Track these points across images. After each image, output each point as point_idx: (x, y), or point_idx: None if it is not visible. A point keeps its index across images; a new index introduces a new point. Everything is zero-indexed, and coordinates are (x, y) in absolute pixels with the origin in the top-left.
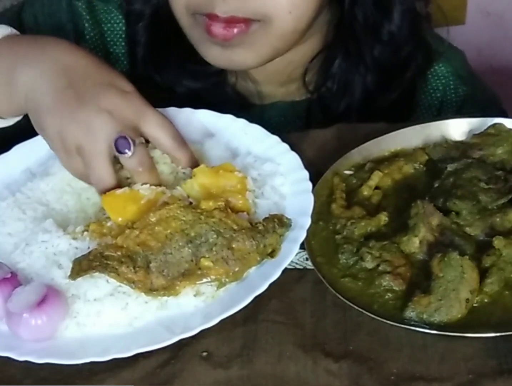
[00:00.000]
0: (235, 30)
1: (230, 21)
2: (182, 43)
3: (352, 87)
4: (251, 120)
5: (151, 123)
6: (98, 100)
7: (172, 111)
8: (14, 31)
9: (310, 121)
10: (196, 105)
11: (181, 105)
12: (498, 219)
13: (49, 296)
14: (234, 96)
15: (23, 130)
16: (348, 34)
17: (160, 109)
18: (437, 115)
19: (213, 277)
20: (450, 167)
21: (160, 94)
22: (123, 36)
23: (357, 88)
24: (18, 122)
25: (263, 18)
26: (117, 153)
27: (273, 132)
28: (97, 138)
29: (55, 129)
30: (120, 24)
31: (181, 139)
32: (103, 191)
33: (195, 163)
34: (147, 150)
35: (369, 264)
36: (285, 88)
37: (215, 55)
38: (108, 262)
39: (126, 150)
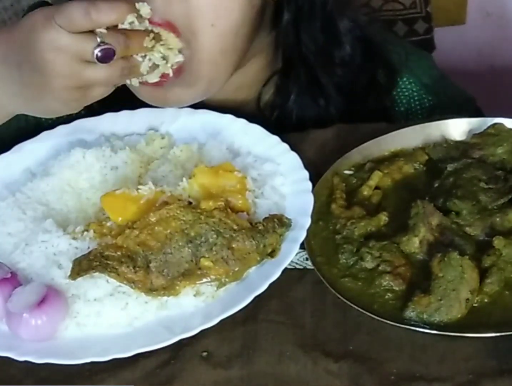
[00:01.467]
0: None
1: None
2: None
3: (310, 117)
4: None
5: (71, 21)
6: (32, 51)
7: (172, 111)
8: None
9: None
10: None
11: None
12: (498, 219)
13: (49, 296)
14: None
15: (23, 130)
16: (299, 61)
17: (160, 109)
18: None
19: (213, 277)
20: (450, 167)
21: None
22: None
23: (317, 118)
24: (18, 122)
25: (188, 32)
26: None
27: None
28: (70, 65)
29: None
30: None
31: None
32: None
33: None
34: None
35: (369, 264)
36: (241, 112)
37: (149, 94)
38: (108, 262)
39: (103, 51)
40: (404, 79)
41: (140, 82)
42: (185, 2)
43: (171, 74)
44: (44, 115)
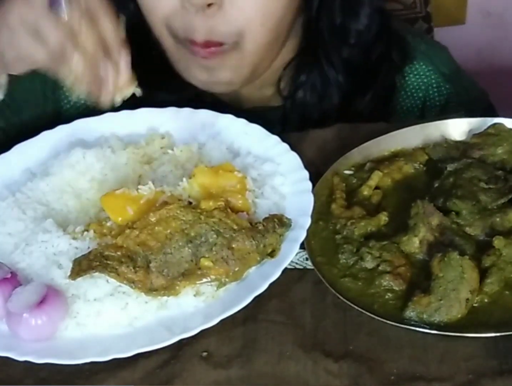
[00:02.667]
0: (213, 48)
1: (207, 45)
2: (156, 58)
3: (323, 94)
4: None
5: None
6: None
7: (172, 111)
8: None
9: (287, 127)
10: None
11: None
12: (498, 219)
13: (49, 296)
14: (214, 103)
15: (23, 130)
16: (316, 38)
17: (160, 109)
18: (420, 116)
19: (213, 277)
20: (450, 167)
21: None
22: None
23: (329, 94)
24: (18, 121)
25: (237, 38)
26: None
27: None
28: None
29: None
30: None
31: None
32: (62, 59)
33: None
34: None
35: (369, 264)
36: (262, 93)
37: (202, 80)
38: (108, 262)
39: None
40: (424, 66)
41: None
42: (239, 10)
43: None
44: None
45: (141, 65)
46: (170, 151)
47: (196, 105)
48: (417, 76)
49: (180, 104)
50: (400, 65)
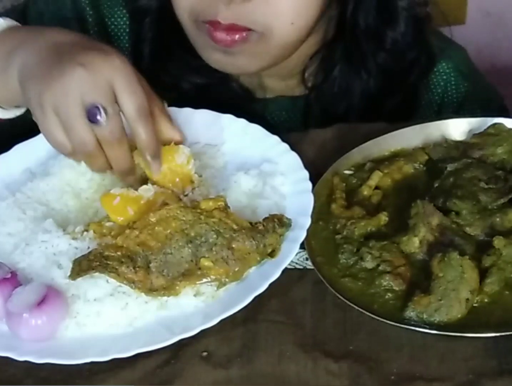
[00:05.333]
0: (237, 37)
1: (231, 29)
2: (187, 39)
3: (352, 91)
4: (254, 114)
5: (121, 85)
6: (74, 56)
7: (172, 111)
8: (17, 23)
9: (309, 118)
10: (200, 102)
11: (185, 102)
12: (498, 219)
13: (49, 296)
14: (239, 90)
15: (23, 130)
16: (350, 38)
17: None
18: (438, 111)
19: (213, 277)
20: (450, 167)
21: (163, 92)
22: (127, 31)
23: (357, 92)
24: (18, 121)
25: (264, 29)
26: (88, 121)
27: (275, 126)
28: (71, 98)
29: (35, 94)
30: (124, 19)
31: (146, 113)
32: (85, 156)
33: (154, 148)
34: (121, 121)
35: (369, 264)
36: (286, 82)
37: (217, 60)
38: (108, 262)
39: (98, 119)
40: (444, 64)
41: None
42: (270, 6)
43: None
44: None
45: (170, 47)
46: None
47: (201, 102)
48: (437, 74)
49: (199, 93)
50: (427, 69)
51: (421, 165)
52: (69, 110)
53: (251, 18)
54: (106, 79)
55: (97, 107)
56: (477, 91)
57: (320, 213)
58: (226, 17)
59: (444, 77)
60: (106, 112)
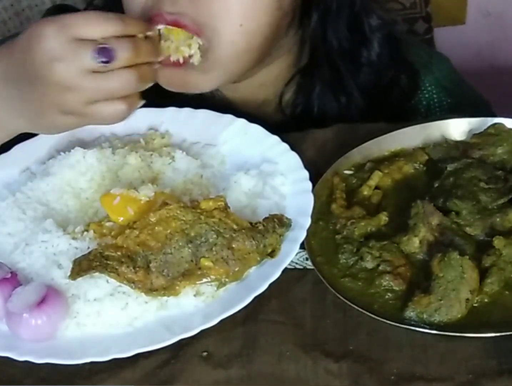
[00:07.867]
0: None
1: (174, 24)
2: None
3: (331, 115)
4: None
5: (87, 27)
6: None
7: (172, 111)
8: None
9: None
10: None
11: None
12: (498, 219)
13: (49, 296)
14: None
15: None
16: (325, 60)
17: (160, 109)
18: None
19: (213, 277)
20: (450, 167)
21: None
22: None
23: (336, 117)
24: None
25: (211, 32)
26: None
27: None
28: (72, 81)
29: (32, 116)
30: None
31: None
32: (135, 81)
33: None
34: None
35: (369, 264)
36: (262, 111)
37: (167, 77)
38: (108, 262)
39: (108, 53)
40: (425, 81)
41: (160, 63)
42: (216, 3)
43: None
44: (48, 132)
45: None
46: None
47: (196, 105)
48: (419, 91)
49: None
50: (410, 90)
51: (421, 165)
52: (82, 83)
53: (195, 16)
54: (64, 46)
55: (96, 50)
56: (462, 104)
57: (320, 213)
58: (171, 12)
59: (426, 95)
60: (104, 44)
